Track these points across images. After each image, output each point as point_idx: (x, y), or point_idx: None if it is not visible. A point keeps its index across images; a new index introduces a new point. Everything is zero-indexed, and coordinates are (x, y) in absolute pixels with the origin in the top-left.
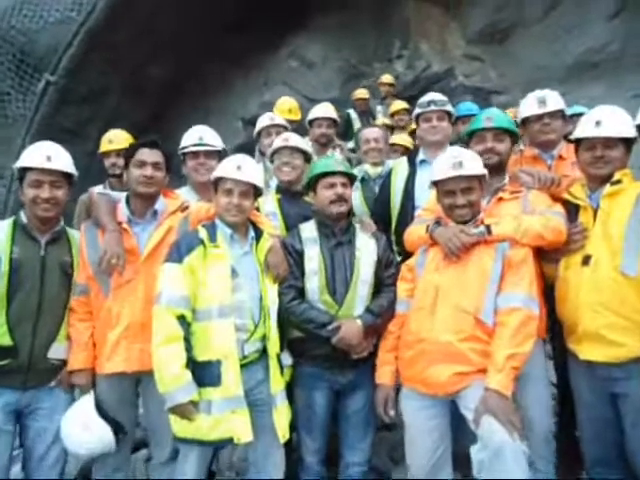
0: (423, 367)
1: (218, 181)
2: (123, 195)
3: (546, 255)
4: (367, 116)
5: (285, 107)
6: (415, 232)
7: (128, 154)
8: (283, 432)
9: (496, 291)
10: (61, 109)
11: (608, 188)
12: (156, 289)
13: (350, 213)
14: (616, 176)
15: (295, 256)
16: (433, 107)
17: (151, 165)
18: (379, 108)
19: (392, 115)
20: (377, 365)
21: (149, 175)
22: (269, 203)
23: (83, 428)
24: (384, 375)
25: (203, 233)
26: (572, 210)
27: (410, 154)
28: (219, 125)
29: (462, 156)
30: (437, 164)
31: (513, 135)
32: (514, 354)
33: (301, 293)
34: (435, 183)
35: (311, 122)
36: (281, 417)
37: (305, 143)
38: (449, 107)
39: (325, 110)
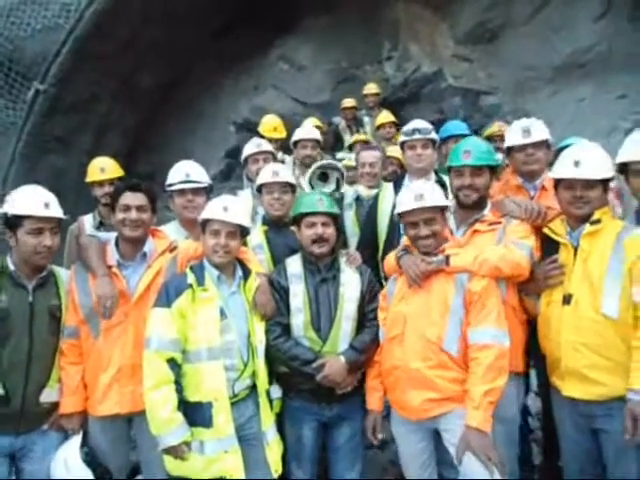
0: (399, 393)
1: (205, 222)
2: (112, 236)
3: (525, 289)
4: (356, 125)
5: (270, 126)
6: (389, 260)
7: (112, 198)
8: (276, 467)
9: (459, 323)
10: (51, 117)
11: (588, 227)
12: (145, 333)
13: (335, 249)
14: (595, 215)
15: (281, 293)
16: (418, 136)
17: (135, 208)
18: (367, 119)
19: (378, 128)
20: (366, 392)
21: (134, 219)
22: (256, 236)
23: (66, 470)
24: (373, 402)
25: (191, 277)
26: (552, 246)
27: (396, 180)
28: (211, 129)
29: (423, 189)
30: (400, 197)
31: (493, 166)
32: (490, 390)
33: (287, 329)
34: (400, 215)
35: (295, 143)
36: (273, 452)
37: (290, 165)
38: (433, 135)
39: (309, 131)
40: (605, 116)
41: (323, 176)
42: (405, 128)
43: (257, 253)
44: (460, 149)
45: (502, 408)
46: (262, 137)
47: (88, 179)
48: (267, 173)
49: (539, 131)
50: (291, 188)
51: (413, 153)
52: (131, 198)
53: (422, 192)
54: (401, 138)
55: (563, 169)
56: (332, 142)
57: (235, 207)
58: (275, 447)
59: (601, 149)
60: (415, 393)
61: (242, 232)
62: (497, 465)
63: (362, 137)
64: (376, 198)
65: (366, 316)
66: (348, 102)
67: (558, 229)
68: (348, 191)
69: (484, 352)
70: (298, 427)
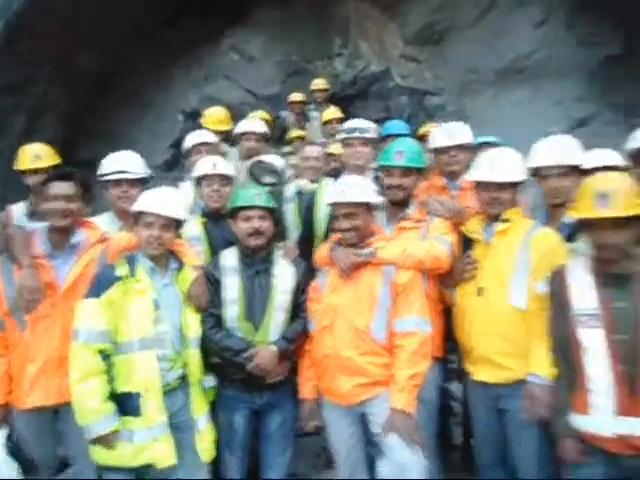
0: (330, 380)
1: (139, 214)
2: (41, 226)
3: (444, 281)
4: (303, 120)
5: (214, 118)
6: (320, 252)
7: (41, 187)
8: (207, 452)
9: (386, 312)
10: None
11: (498, 226)
12: (73, 325)
13: (270, 242)
14: (506, 215)
15: (215, 285)
16: (357, 134)
17: (63, 198)
18: (314, 115)
19: (325, 123)
20: (299, 382)
21: (62, 209)
22: (194, 227)
23: None
24: (306, 391)
25: (123, 268)
26: (469, 242)
27: (336, 176)
28: (159, 119)
29: (347, 184)
30: (329, 190)
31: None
32: (414, 374)
33: (220, 321)
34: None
35: (240, 135)
36: (204, 439)
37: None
38: (372, 134)
39: (253, 124)
40: (540, 120)
41: (265, 170)
42: (345, 126)
43: (194, 245)
44: (393, 149)
45: (423, 391)
46: (207, 129)
47: (20, 166)
48: (206, 165)
49: (462, 134)
50: (230, 180)
51: (351, 150)
52: (59, 187)
53: (345, 188)
54: (341, 136)
55: (479, 172)
56: (278, 136)
57: (169, 199)
58: (206, 434)
59: (515, 154)
60: (345, 379)
61: (176, 224)
62: (420, 445)
63: (301, 133)
64: (315, 192)
65: (299, 307)
66: (296, 96)
67: (474, 227)
68: (290, 185)
69: (408, 339)
70: (230, 415)
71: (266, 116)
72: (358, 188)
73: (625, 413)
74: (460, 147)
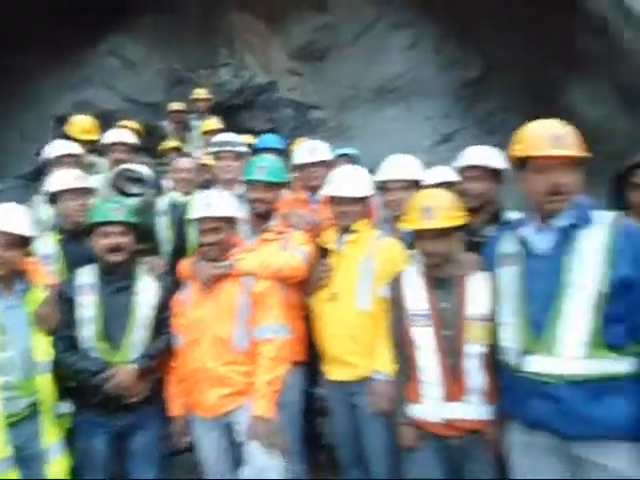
0: (198, 394)
1: None
2: None
3: (303, 288)
4: (183, 129)
5: (80, 127)
6: (183, 266)
7: None
8: None
9: (246, 321)
10: None
11: (348, 236)
12: None
13: (133, 257)
14: (354, 226)
15: (68, 304)
16: (228, 148)
17: None
18: (196, 124)
19: (205, 133)
20: (168, 399)
21: None
22: (48, 244)
23: None
24: (175, 408)
25: None
26: (326, 252)
27: (208, 188)
28: (33, 122)
29: (212, 198)
30: (193, 204)
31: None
32: (272, 379)
33: (75, 342)
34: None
35: (109, 145)
36: (55, 469)
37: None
38: (243, 148)
39: (121, 135)
40: (411, 135)
41: (130, 180)
42: (216, 139)
43: (47, 263)
44: (255, 164)
45: (285, 395)
46: (73, 139)
47: None
48: (67, 178)
49: (322, 152)
50: (93, 194)
51: (222, 164)
52: None
53: (210, 201)
54: (212, 149)
55: (331, 187)
56: (157, 146)
57: (14, 215)
58: (57, 465)
59: (363, 171)
60: (211, 391)
61: (24, 242)
62: (280, 448)
63: (175, 144)
64: (187, 205)
65: (162, 323)
66: (175, 105)
67: (329, 238)
68: (163, 197)
69: (267, 346)
70: (88, 440)
71: (136, 126)
72: (224, 202)
73: (450, 399)
74: (320, 163)
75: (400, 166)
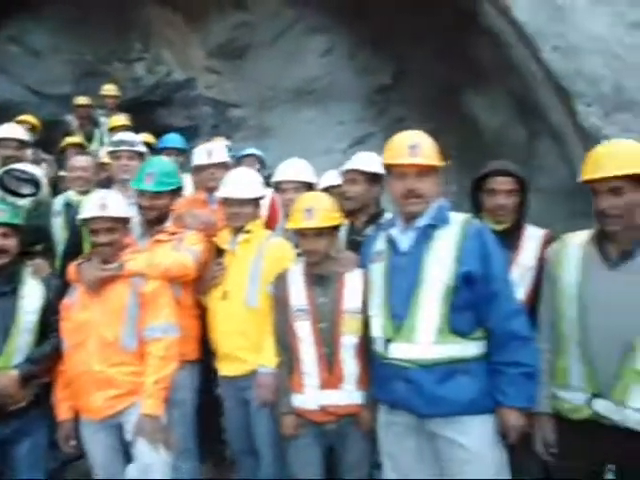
0: (85, 397)
1: None
2: None
3: (197, 287)
4: (90, 125)
5: None
6: (70, 269)
7: None
8: None
9: (135, 322)
10: None
11: (240, 236)
12: None
13: (16, 260)
14: (247, 227)
15: None
16: (124, 147)
17: None
18: (104, 120)
19: (111, 130)
20: (55, 404)
21: None
22: None
23: None
24: (62, 412)
25: None
26: (221, 252)
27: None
28: None
29: (107, 198)
30: (85, 204)
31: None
32: (160, 378)
33: None
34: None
35: None
36: None
37: None
38: (139, 147)
39: (9, 130)
40: (326, 137)
41: (20, 180)
42: (113, 139)
43: None
44: (144, 171)
45: (177, 393)
46: None
47: None
48: None
49: (220, 154)
50: None
51: (119, 163)
52: None
53: (105, 202)
54: (108, 148)
55: (223, 189)
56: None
57: None
58: None
59: (254, 174)
60: (99, 394)
61: None
62: (166, 445)
63: (76, 140)
64: (77, 207)
65: (49, 327)
66: (81, 100)
67: (224, 238)
68: (58, 197)
69: (156, 345)
70: None
71: (34, 120)
72: (119, 203)
73: (326, 387)
74: (217, 165)
75: (293, 169)
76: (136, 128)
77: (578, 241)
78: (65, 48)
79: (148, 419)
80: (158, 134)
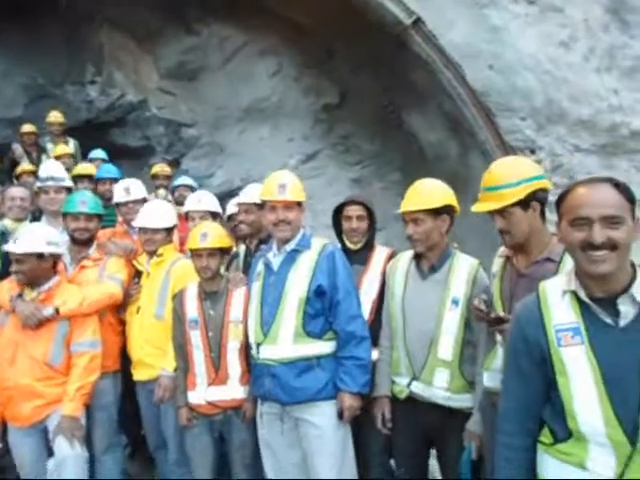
0: (13, 406)
1: None
2: None
3: (119, 307)
4: (37, 152)
5: None
6: (3, 296)
7: None
8: None
9: (63, 340)
10: None
11: (154, 259)
12: None
13: None
14: (159, 250)
15: None
16: (50, 183)
17: None
18: (50, 147)
19: (57, 158)
20: None
21: None
22: None
23: None
24: None
25: None
26: (140, 272)
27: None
28: None
29: (22, 234)
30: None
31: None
32: (82, 385)
33: None
34: None
35: None
36: None
37: None
38: (66, 183)
39: None
40: (278, 154)
41: None
42: (40, 174)
43: None
44: (76, 199)
45: (102, 398)
46: None
47: None
48: None
49: (137, 190)
50: None
51: (47, 197)
52: None
53: (18, 237)
54: (37, 184)
55: (139, 219)
56: (8, 168)
57: None
58: None
59: (166, 206)
60: (26, 404)
61: None
62: (79, 441)
63: (29, 168)
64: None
65: None
66: (26, 128)
67: (141, 261)
68: None
69: (82, 358)
70: None
71: None
72: (29, 238)
73: (213, 385)
74: (135, 201)
75: (200, 200)
76: (90, 149)
77: (405, 257)
78: (17, 72)
79: (68, 419)
80: (114, 154)
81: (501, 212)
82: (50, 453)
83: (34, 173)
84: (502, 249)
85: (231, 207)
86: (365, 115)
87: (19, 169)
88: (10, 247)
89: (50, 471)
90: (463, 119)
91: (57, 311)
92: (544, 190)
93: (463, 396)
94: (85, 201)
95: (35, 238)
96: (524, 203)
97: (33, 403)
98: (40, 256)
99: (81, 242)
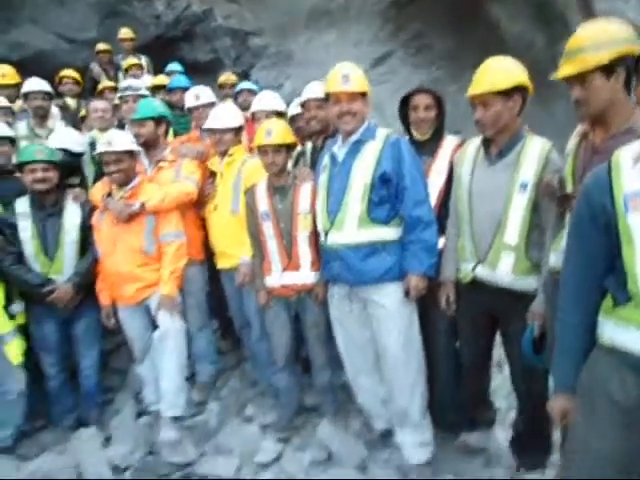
0: (117, 289)
1: None
2: None
3: (197, 203)
4: (113, 69)
5: (1, 72)
6: (94, 195)
7: None
8: (16, 358)
9: (152, 231)
10: None
11: (225, 159)
12: None
13: (61, 189)
14: (230, 152)
15: (10, 228)
16: (129, 92)
17: None
18: (123, 63)
19: (126, 70)
20: (97, 293)
21: None
22: None
23: None
24: (103, 299)
25: None
26: (213, 174)
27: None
28: None
29: (112, 136)
30: (99, 141)
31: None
32: (174, 269)
33: (22, 256)
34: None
35: (26, 94)
36: (12, 348)
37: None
38: (143, 92)
39: (37, 84)
40: (346, 59)
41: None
42: (120, 85)
43: None
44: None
45: (188, 285)
46: None
47: None
48: None
49: (206, 95)
50: (5, 141)
51: (126, 106)
52: None
53: (112, 139)
54: (118, 94)
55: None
56: (90, 87)
57: None
58: (13, 346)
59: (233, 107)
60: (129, 286)
61: None
62: (178, 314)
63: (109, 84)
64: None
65: (87, 240)
66: (100, 46)
67: (214, 162)
68: (84, 136)
69: (169, 246)
70: (40, 328)
71: (75, 75)
72: (123, 138)
73: (287, 270)
74: (205, 105)
75: (265, 100)
76: (163, 66)
77: (473, 144)
78: None
79: (166, 297)
80: (186, 71)
81: (580, 79)
82: (154, 327)
83: (114, 89)
84: (579, 127)
85: (293, 108)
86: (437, 10)
87: (100, 86)
88: (108, 147)
89: (155, 341)
90: (552, 3)
91: (143, 206)
92: (633, 56)
93: (528, 279)
94: (138, 108)
95: (126, 138)
96: (607, 69)
97: (135, 285)
98: (131, 154)
99: (143, 145)
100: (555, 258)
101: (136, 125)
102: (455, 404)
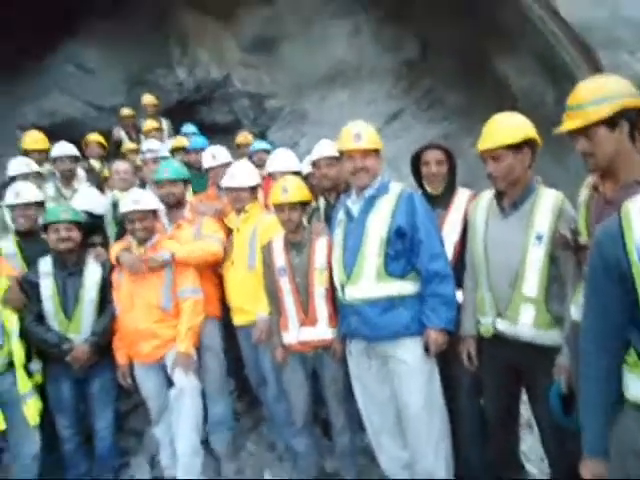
0: (135, 347)
1: None
2: None
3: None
4: (136, 133)
5: (32, 140)
6: (113, 252)
7: None
8: (33, 418)
9: (170, 287)
10: None
11: (241, 216)
12: None
13: (82, 248)
14: (246, 207)
15: (33, 287)
16: (149, 155)
17: None
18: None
19: (145, 134)
20: (115, 351)
21: None
22: (9, 245)
23: None
24: (120, 358)
25: None
26: (230, 230)
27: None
28: None
29: (139, 195)
30: (123, 201)
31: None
32: (191, 326)
33: (42, 314)
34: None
35: (54, 158)
36: (30, 408)
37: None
38: (162, 153)
39: (65, 148)
40: (359, 117)
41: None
42: (143, 147)
43: (10, 260)
44: (163, 168)
45: (208, 340)
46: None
47: None
48: (11, 194)
49: (222, 155)
50: (36, 204)
51: (147, 169)
52: None
53: (138, 198)
54: (141, 156)
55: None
56: (113, 150)
57: None
58: (31, 406)
59: (249, 166)
60: (146, 344)
61: None
62: (193, 373)
63: (133, 146)
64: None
65: (105, 299)
66: (124, 112)
67: (231, 219)
68: (107, 197)
69: (187, 302)
70: (56, 388)
71: (99, 138)
72: (148, 197)
73: (304, 326)
74: (221, 165)
75: (281, 160)
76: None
77: (487, 196)
78: (113, 62)
79: (182, 355)
80: (204, 132)
81: (584, 132)
82: (170, 385)
83: (136, 151)
84: (589, 178)
85: (305, 166)
86: (448, 66)
87: (123, 148)
88: (136, 206)
89: (172, 399)
90: (559, 58)
91: (172, 256)
92: (635, 109)
93: (550, 333)
94: (168, 169)
95: (151, 198)
96: (610, 122)
97: (151, 343)
98: (154, 212)
99: (170, 205)
100: (576, 310)
101: (168, 185)
102: (482, 464)
